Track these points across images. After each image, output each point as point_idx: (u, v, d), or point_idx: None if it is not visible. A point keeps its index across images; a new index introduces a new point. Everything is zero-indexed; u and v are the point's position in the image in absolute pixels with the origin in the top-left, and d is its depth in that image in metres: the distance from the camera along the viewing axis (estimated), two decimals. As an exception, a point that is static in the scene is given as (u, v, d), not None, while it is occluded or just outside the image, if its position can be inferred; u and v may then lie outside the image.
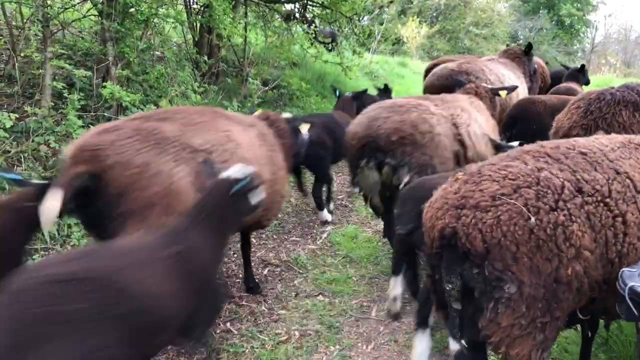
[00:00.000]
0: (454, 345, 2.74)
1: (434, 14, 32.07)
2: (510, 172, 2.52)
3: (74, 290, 2.20)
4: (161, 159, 3.21)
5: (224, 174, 2.99)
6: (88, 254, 2.52)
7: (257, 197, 3.09)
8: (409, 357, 3.79)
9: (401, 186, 4.35)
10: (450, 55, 11.71)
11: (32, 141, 5.34)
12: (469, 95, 5.58)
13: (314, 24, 11.03)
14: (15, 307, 2.16)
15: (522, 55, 8.50)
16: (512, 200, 2.40)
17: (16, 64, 5.81)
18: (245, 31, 9.45)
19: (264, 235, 5.70)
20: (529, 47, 8.66)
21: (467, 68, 7.35)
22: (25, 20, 6.08)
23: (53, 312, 2.14)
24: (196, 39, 8.83)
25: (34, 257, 4.38)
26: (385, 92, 8.58)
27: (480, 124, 5.03)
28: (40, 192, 2.88)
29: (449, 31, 30.50)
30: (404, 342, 3.97)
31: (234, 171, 2.98)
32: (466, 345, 2.69)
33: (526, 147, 2.81)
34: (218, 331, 4.03)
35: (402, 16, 30.66)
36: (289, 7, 11.51)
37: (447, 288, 2.54)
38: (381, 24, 21.55)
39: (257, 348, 3.84)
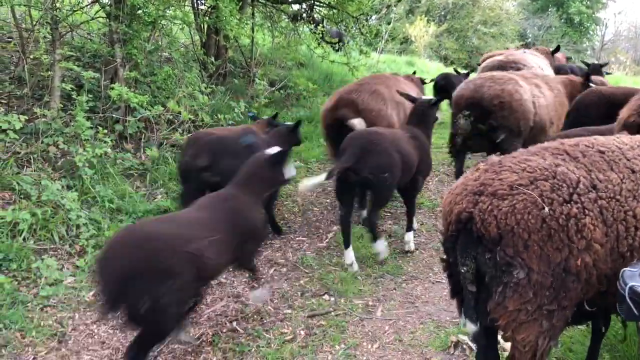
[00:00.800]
0: (471, 327, 2.80)
1: (442, 13, 31.99)
2: (528, 165, 2.63)
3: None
4: (385, 107, 6.05)
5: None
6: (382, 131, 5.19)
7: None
8: (415, 356, 3.82)
9: (497, 141, 6.00)
10: (496, 51, 12.81)
11: (42, 142, 5.41)
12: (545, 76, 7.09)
13: (321, 25, 11.05)
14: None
15: (549, 53, 9.89)
16: (528, 191, 2.48)
17: (26, 66, 5.88)
18: (253, 32, 9.48)
19: (270, 236, 5.73)
20: (557, 49, 10.29)
21: (514, 58, 8.49)
22: (34, 23, 6.14)
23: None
24: (203, 40, 8.88)
25: (43, 257, 4.45)
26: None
27: (546, 97, 6.38)
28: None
29: (457, 30, 30.41)
30: (409, 341, 3.99)
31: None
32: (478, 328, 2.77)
33: (546, 144, 2.91)
34: (224, 330, 4.07)
35: (410, 15, 30.62)
36: (295, 7, 11.54)
37: (462, 270, 2.64)
38: (389, 23, 21.52)
39: (262, 347, 3.88)
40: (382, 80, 6.68)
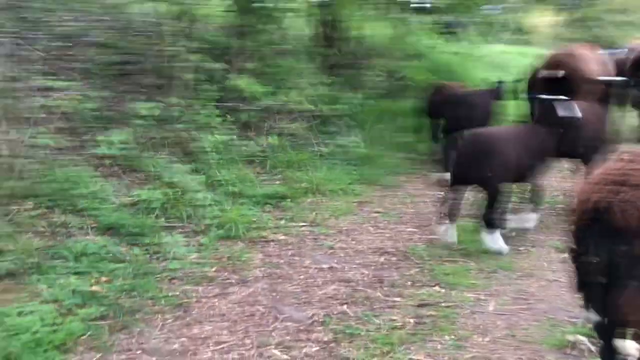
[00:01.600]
0: (595, 317, 2.71)
1: (574, 2, 30.03)
2: None
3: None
4: (589, 69, 7.00)
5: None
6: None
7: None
8: (527, 352, 3.70)
9: None
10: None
11: (174, 129, 5.87)
12: None
13: (439, 15, 10.86)
14: None
15: None
16: None
17: (165, 59, 6.37)
18: (370, 23, 9.54)
19: (380, 225, 5.80)
20: None
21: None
22: (171, 18, 6.63)
23: None
24: (325, 32, 9.06)
25: (171, 233, 4.86)
26: None
27: None
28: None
29: (590, 19, 28.43)
30: (521, 337, 3.87)
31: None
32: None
33: None
34: (335, 312, 4.20)
35: (535, 4, 29.04)
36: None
37: (594, 261, 2.56)
38: (514, 12, 20.61)
39: (372, 332, 3.94)
40: (582, 48, 8.04)
